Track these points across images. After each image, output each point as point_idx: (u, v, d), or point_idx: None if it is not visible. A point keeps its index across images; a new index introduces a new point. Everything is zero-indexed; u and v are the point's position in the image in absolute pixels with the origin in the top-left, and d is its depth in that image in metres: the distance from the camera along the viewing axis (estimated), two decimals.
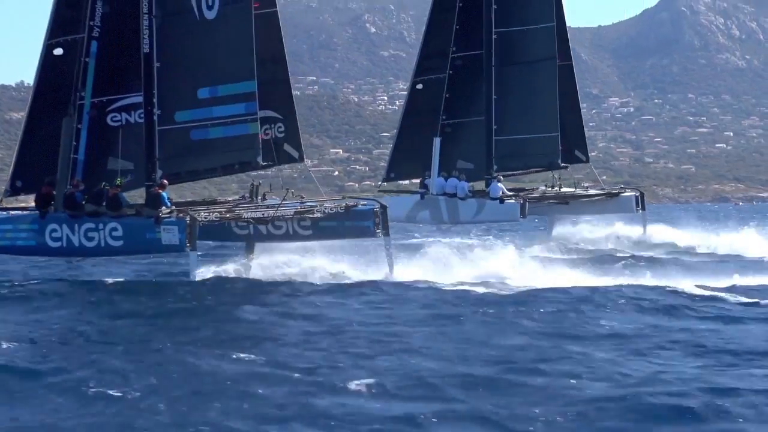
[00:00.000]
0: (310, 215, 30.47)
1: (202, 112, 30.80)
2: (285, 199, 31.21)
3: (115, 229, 29.91)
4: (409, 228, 53.02)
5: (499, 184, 44.48)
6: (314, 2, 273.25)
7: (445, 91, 46.26)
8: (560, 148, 46.57)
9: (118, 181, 30.61)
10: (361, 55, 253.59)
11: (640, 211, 46.79)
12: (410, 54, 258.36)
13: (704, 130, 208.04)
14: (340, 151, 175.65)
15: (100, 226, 30.02)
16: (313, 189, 34.38)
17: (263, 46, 30.94)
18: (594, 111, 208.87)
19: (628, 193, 48.15)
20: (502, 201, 44.03)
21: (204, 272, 29.96)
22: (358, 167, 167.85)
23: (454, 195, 44.77)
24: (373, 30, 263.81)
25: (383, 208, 31.08)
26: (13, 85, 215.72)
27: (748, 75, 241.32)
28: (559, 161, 46.95)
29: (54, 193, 30.96)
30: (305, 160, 33.54)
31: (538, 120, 46.27)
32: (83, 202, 30.66)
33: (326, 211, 30.70)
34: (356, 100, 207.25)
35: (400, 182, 50.88)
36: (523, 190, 48.19)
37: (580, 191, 47.63)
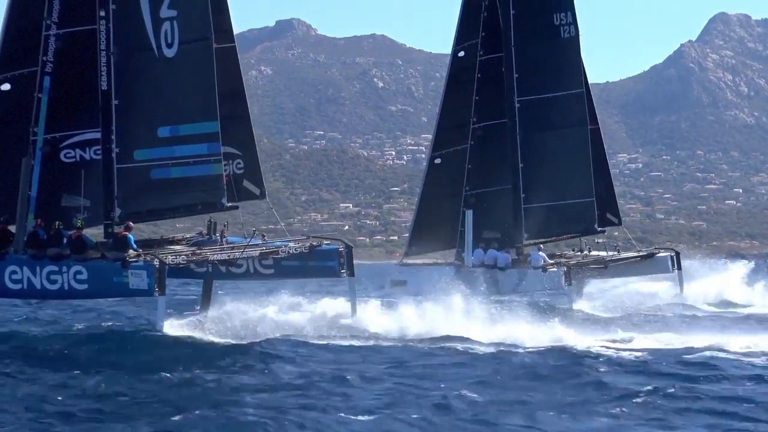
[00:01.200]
0: (273, 255, 29.63)
1: (163, 151, 29.80)
2: (250, 238, 30.28)
3: (79, 272, 28.93)
4: None
5: (540, 253, 43.77)
6: (322, 56, 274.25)
7: (468, 161, 45.91)
8: (597, 212, 45.87)
9: (79, 222, 29.57)
10: (369, 110, 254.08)
11: (676, 271, 46.22)
12: (418, 109, 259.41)
13: (713, 186, 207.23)
14: (350, 205, 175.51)
15: (64, 268, 29.02)
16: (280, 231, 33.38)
17: (222, 81, 29.89)
18: None
19: (663, 254, 47.46)
20: (544, 270, 43.17)
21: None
22: (368, 222, 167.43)
23: (492, 266, 43.86)
24: (380, 84, 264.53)
25: (348, 248, 30.48)
26: None
27: (757, 132, 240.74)
28: (596, 226, 46.11)
29: (11, 231, 30.02)
30: (266, 197, 32.60)
31: (570, 186, 45.51)
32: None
33: (290, 251, 29.84)
34: (366, 154, 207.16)
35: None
36: (552, 255, 47.04)
37: (614, 254, 46.66)
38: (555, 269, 43.26)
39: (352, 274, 30.11)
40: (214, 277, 30.80)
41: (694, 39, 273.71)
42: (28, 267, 29.27)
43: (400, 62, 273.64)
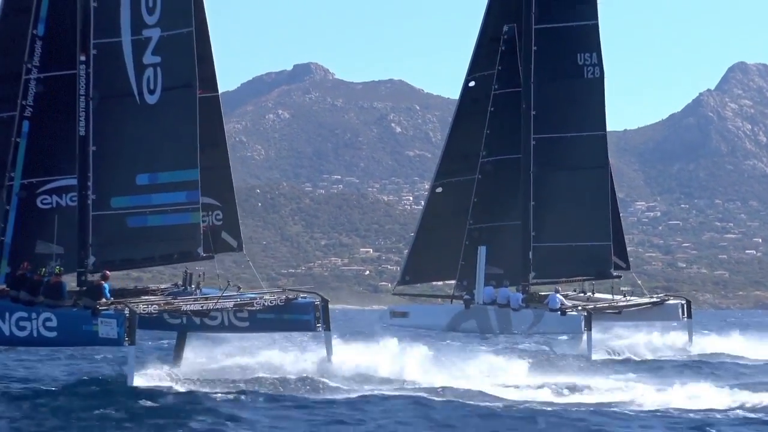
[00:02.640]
0: (248, 307, 29.02)
1: (141, 198, 29.16)
2: (224, 290, 29.65)
3: (49, 319, 28.17)
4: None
5: (558, 296, 42.92)
6: (339, 101, 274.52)
7: (474, 195, 45.40)
8: (612, 256, 45.11)
9: (57, 269, 28.82)
10: (386, 155, 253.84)
11: (686, 319, 45.25)
12: (435, 154, 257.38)
13: (732, 235, 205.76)
14: (371, 250, 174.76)
15: (33, 315, 28.28)
16: (254, 280, 32.73)
17: (203, 130, 29.30)
18: (620, 215, 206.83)
19: (673, 301, 46.56)
20: (562, 312, 42.25)
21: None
22: (389, 267, 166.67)
23: (505, 305, 43.11)
24: (398, 129, 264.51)
25: (325, 301, 29.99)
26: None
27: None
28: (611, 270, 45.30)
29: None
30: (243, 249, 32.26)
31: (586, 228, 44.87)
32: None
33: (265, 303, 29.26)
34: (385, 199, 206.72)
35: (415, 285, 49.45)
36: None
37: (625, 299, 45.93)
38: (574, 313, 42.34)
39: (328, 328, 29.54)
40: (188, 329, 30.16)
41: (712, 88, 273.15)
42: None
43: (417, 107, 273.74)
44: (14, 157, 29.61)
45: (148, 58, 28.79)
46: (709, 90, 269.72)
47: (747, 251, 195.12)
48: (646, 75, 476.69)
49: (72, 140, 29.07)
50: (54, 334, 28.18)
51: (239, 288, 30.33)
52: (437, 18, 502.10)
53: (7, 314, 28.44)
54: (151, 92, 28.88)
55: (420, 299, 50.24)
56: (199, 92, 29.26)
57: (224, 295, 29.25)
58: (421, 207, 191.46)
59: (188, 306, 28.80)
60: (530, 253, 44.46)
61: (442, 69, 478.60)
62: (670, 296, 50.43)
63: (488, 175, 45.44)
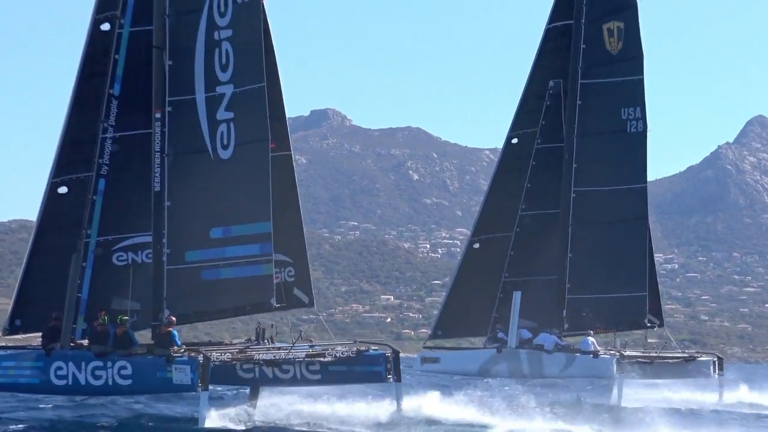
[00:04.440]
0: (320, 359, 29.45)
1: (214, 252, 29.69)
2: (295, 342, 30.21)
3: (124, 367, 28.78)
4: None
5: (590, 339, 42.99)
6: (356, 147, 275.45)
7: (511, 248, 45.36)
8: (647, 307, 45.14)
9: (120, 318, 29.39)
10: (403, 202, 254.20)
11: (717, 376, 45.10)
12: (452, 202, 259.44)
13: (751, 289, 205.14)
14: (391, 297, 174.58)
15: (109, 364, 28.89)
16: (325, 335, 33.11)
17: (277, 188, 29.87)
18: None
19: (705, 358, 46.41)
20: (595, 356, 42.37)
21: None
22: (411, 314, 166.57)
23: (538, 348, 43.29)
24: (416, 177, 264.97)
25: (395, 352, 30.40)
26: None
27: None
28: (646, 321, 45.37)
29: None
30: (314, 305, 32.60)
31: (622, 279, 44.90)
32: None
33: (337, 355, 29.68)
34: (406, 246, 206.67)
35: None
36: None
37: (651, 351, 45.77)
38: (606, 356, 42.45)
39: (398, 379, 30.03)
40: (261, 383, 30.53)
41: (731, 141, 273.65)
42: (73, 362, 29.20)
43: (435, 155, 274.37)
44: (90, 215, 30.09)
45: (222, 114, 29.44)
46: (727, 143, 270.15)
47: (767, 305, 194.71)
48: (664, 127, 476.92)
49: (146, 197, 29.69)
50: (129, 381, 28.74)
51: (311, 341, 30.86)
52: (455, 66, 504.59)
53: (83, 364, 29.06)
54: (225, 147, 29.49)
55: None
56: (273, 149, 29.81)
57: (296, 345, 29.73)
58: (438, 255, 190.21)
59: (261, 355, 29.27)
60: (564, 305, 44.57)
61: (459, 117, 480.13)
62: (702, 353, 50.37)
63: (526, 229, 45.55)
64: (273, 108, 29.96)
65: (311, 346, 30.21)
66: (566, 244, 44.93)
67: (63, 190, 30.49)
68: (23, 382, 29.93)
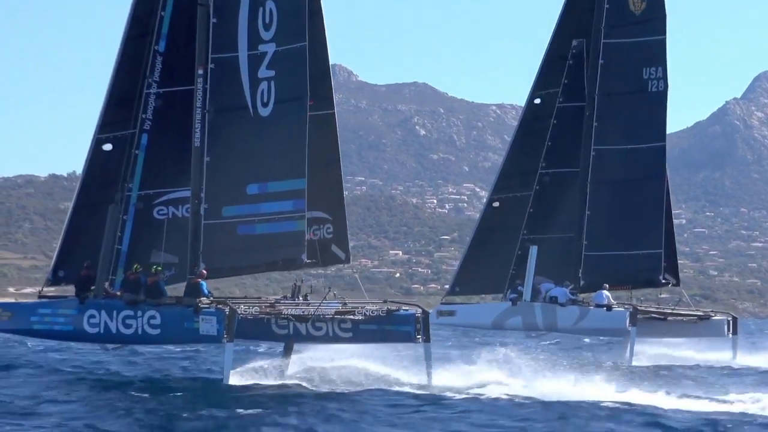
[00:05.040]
0: (351, 317, 29.76)
1: (250, 207, 30.18)
2: (326, 297, 30.51)
3: (153, 317, 29.36)
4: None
5: (605, 293, 43.33)
6: (363, 103, 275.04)
7: (530, 206, 45.90)
8: (663, 265, 45.67)
9: (154, 268, 30.05)
10: (410, 157, 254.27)
11: (731, 336, 45.18)
12: (459, 158, 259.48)
13: (759, 244, 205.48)
14: (400, 252, 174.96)
15: (139, 313, 29.48)
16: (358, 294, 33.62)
17: (318, 147, 30.41)
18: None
19: (719, 317, 46.57)
20: (609, 309, 42.85)
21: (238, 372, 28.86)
22: (420, 270, 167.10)
23: (552, 301, 43.72)
24: (422, 132, 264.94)
25: (425, 313, 30.48)
26: (65, 175, 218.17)
27: None
28: (661, 279, 45.88)
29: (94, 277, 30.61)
30: (350, 261, 32.88)
31: (638, 237, 45.37)
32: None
33: (367, 313, 29.96)
34: (414, 202, 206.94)
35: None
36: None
37: (668, 309, 45.92)
38: (620, 309, 42.91)
39: (428, 339, 30.10)
40: (294, 339, 30.54)
41: (738, 96, 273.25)
42: (105, 311, 29.91)
43: (442, 111, 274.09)
44: (132, 169, 30.74)
45: (263, 72, 29.87)
46: (735, 98, 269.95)
47: None
48: (672, 83, 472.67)
49: (187, 153, 30.15)
50: (158, 331, 29.37)
51: (344, 299, 31.16)
52: (462, 21, 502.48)
53: (115, 312, 29.77)
54: (265, 105, 29.93)
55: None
56: (315, 107, 30.37)
57: (325, 301, 30.07)
58: (445, 210, 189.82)
59: (290, 310, 29.51)
60: (581, 262, 45.09)
61: (466, 73, 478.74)
62: (716, 312, 50.65)
63: (546, 187, 46.07)
64: (318, 68, 30.47)
65: (342, 304, 30.46)
66: (584, 201, 45.37)
67: (108, 147, 31.10)
68: (58, 330, 30.75)
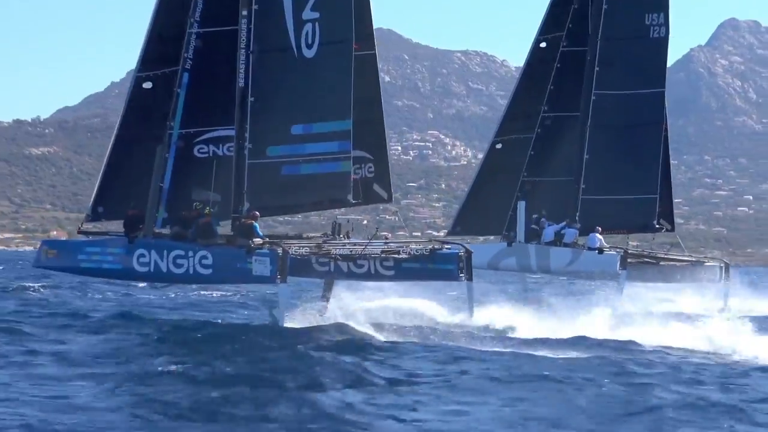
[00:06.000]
0: (394, 255, 29.98)
1: (295, 148, 30.43)
2: (373, 237, 30.92)
3: (205, 257, 29.47)
4: None
5: (597, 236, 43.85)
6: None
7: (531, 148, 46.40)
8: (657, 210, 46.26)
9: (207, 210, 30.24)
10: None
11: (723, 282, 45.80)
12: (424, 105, 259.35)
13: (723, 192, 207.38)
14: None
15: (190, 253, 29.63)
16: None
17: (360, 87, 30.59)
18: None
19: (712, 263, 47.50)
20: (600, 251, 43.44)
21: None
22: (387, 217, 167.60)
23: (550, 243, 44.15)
24: (387, 79, 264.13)
25: (468, 252, 30.81)
26: (29, 121, 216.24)
27: (765, 139, 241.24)
28: (656, 224, 46.48)
29: (143, 217, 30.79)
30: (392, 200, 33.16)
31: (635, 182, 45.99)
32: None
33: (411, 252, 30.24)
34: None
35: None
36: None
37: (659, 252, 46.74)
38: (612, 252, 43.56)
39: (470, 278, 30.56)
40: (336, 276, 30.87)
41: (703, 44, 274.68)
42: (155, 250, 30.09)
43: (406, 57, 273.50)
44: (174, 108, 30.88)
45: (308, 13, 29.95)
46: (699, 46, 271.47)
47: (739, 208, 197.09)
48: None
49: (229, 93, 30.30)
50: (209, 271, 29.46)
51: (387, 237, 31.66)
52: None
53: (165, 252, 29.95)
54: (309, 47, 30.04)
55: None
56: (358, 50, 30.56)
57: (373, 241, 30.52)
58: (409, 157, 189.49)
59: (339, 250, 29.94)
60: (578, 205, 45.61)
61: (432, 19, 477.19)
62: (709, 258, 51.32)
63: (547, 130, 46.49)
64: (359, 9, 30.58)
65: (386, 243, 30.86)
66: (583, 145, 45.94)
67: (148, 85, 31.30)
68: (106, 268, 30.93)
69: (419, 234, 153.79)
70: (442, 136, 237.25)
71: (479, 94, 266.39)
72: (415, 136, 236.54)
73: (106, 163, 32.06)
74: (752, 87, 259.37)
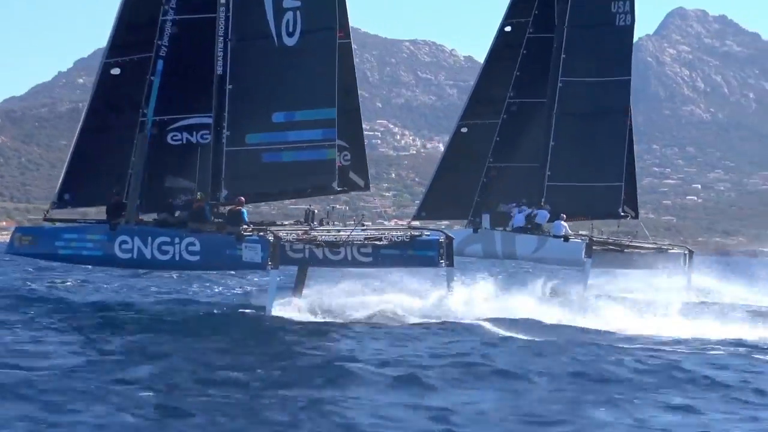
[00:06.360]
0: (374, 242, 29.87)
1: (276, 135, 30.07)
2: (356, 225, 30.82)
3: (192, 243, 29.24)
4: None
5: (562, 223, 43.74)
6: None
7: (496, 134, 46.23)
8: (623, 198, 46.32)
9: (200, 195, 30.00)
10: None
11: (687, 269, 45.95)
12: (372, 94, 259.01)
13: (671, 181, 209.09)
14: None
15: (176, 240, 29.37)
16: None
17: (338, 76, 30.24)
18: None
19: (676, 251, 47.56)
20: (566, 239, 43.37)
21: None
22: (337, 206, 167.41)
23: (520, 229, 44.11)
24: None
25: (449, 239, 30.77)
26: None
27: (713, 128, 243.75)
28: (620, 211, 46.51)
29: (125, 203, 30.55)
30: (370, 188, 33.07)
31: (600, 169, 45.98)
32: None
33: (391, 239, 30.09)
34: None
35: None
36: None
37: (627, 241, 46.74)
38: (577, 240, 43.57)
39: (451, 264, 30.54)
40: (311, 263, 30.43)
41: (651, 33, 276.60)
42: (139, 237, 29.77)
43: (355, 47, 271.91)
44: (147, 95, 30.48)
45: (288, 2, 29.63)
46: (648, 35, 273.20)
47: (688, 197, 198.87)
48: None
49: (204, 81, 29.96)
50: (196, 258, 29.29)
51: (365, 225, 31.62)
52: None
53: (149, 238, 29.64)
54: (290, 35, 29.66)
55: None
56: (341, 38, 30.29)
57: (357, 227, 30.35)
58: None
59: (325, 237, 29.65)
60: (543, 192, 45.66)
61: (380, 9, 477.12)
62: (673, 245, 51.44)
63: (513, 116, 46.42)
64: None
65: (364, 230, 30.63)
66: (549, 132, 45.96)
67: (116, 71, 30.83)
68: (86, 255, 30.59)
69: (370, 223, 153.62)
70: (391, 126, 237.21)
71: (428, 83, 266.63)
72: (364, 126, 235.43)
73: (72, 149, 31.54)
74: (700, 76, 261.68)
